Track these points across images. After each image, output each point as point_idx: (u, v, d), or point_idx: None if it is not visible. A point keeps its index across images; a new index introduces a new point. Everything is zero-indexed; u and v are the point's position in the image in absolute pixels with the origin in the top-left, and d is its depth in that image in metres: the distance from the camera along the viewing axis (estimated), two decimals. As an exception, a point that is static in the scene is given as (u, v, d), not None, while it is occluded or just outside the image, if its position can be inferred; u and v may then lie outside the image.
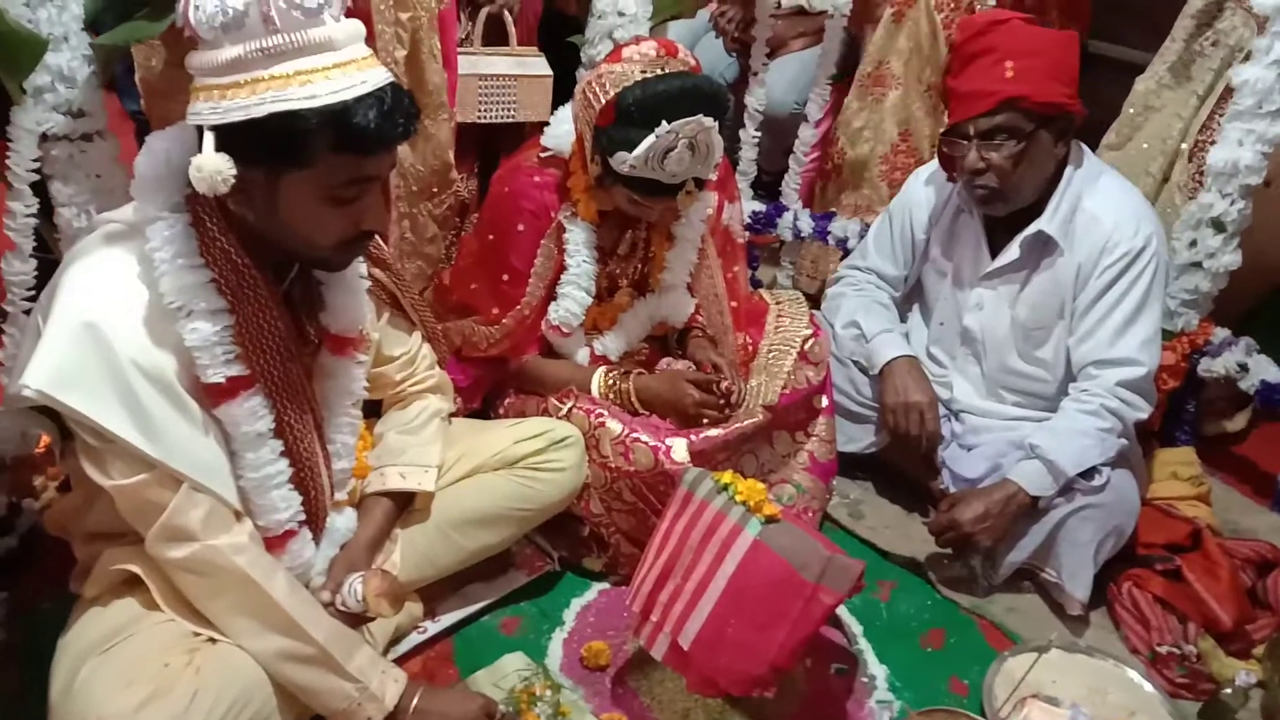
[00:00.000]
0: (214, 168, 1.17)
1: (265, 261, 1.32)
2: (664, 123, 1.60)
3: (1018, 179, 1.82)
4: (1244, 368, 2.13)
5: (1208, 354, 2.16)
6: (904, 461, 2.11)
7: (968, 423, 2.06)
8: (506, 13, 2.10)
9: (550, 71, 2.14)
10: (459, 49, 2.06)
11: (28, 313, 1.58)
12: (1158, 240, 1.86)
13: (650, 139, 1.60)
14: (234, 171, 1.18)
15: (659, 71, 1.64)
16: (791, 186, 2.78)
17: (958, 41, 1.83)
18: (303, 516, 1.42)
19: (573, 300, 1.88)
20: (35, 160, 1.54)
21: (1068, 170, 1.88)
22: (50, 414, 1.26)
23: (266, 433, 1.34)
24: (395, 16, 1.72)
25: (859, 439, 2.11)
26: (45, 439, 1.75)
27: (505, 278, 1.88)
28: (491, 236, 1.90)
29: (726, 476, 1.56)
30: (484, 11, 2.07)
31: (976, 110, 1.78)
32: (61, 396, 1.19)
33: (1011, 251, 1.93)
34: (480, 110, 2.06)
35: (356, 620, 1.45)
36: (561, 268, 1.87)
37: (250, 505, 1.36)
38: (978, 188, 1.85)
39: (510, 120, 2.10)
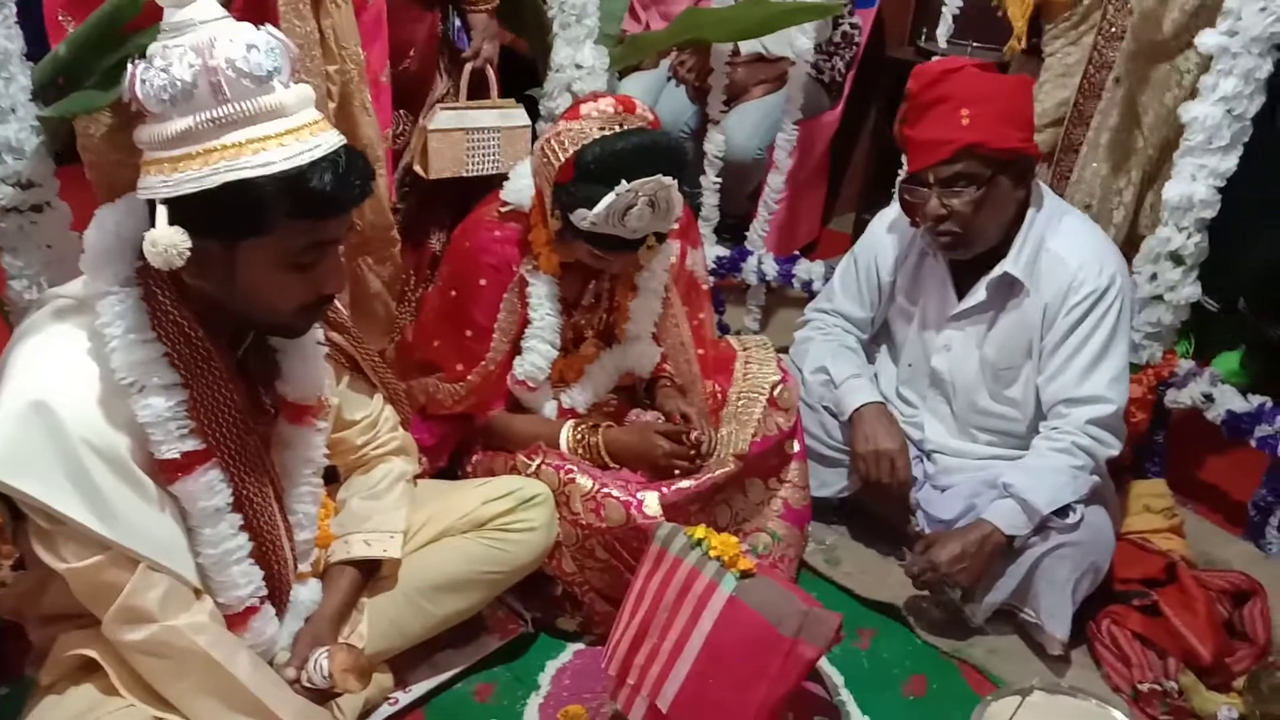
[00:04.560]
0: (169, 241, 1.15)
1: (220, 331, 1.30)
2: (623, 181, 1.60)
3: (979, 224, 1.83)
4: (1209, 398, 2.15)
5: (1174, 385, 2.18)
6: (878, 505, 2.10)
7: (940, 463, 2.06)
8: (488, 66, 2.13)
9: (529, 121, 2.16)
10: (443, 105, 2.07)
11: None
12: (1122, 279, 1.88)
13: (610, 198, 1.60)
14: (189, 244, 1.16)
15: (617, 128, 1.64)
16: (758, 232, 2.79)
17: (912, 91, 1.84)
18: (265, 592, 1.39)
19: (538, 354, 1.86)
20: (-16, 233, 1.51)
21: (1030, 211, 1.89)
22: (1, 494, 1.22)
23: (225, 507, 1.31)
24: (323, 69, 1.71)
25: (832, 483, 2.10)
26: (-2, 518, 1.70)
27: (468, 333, 1.86)
28: (453, 292, 1.88)
29: (700, 531, 1.55)
30: (468, 67, 2.10)
31: (934, 159, 1.80)
32: (10, 480, 1.16)
33: (978, 294, 1.94)
34: (469, 164, 2.09)
35: (324, 696, 1.41)
36: (525, 321, 1.86)
37: (210, 582, 1.33)
38: (940, 234, 1.86)
39: (495, 172, 2.12)
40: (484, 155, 2.12)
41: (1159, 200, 2.21)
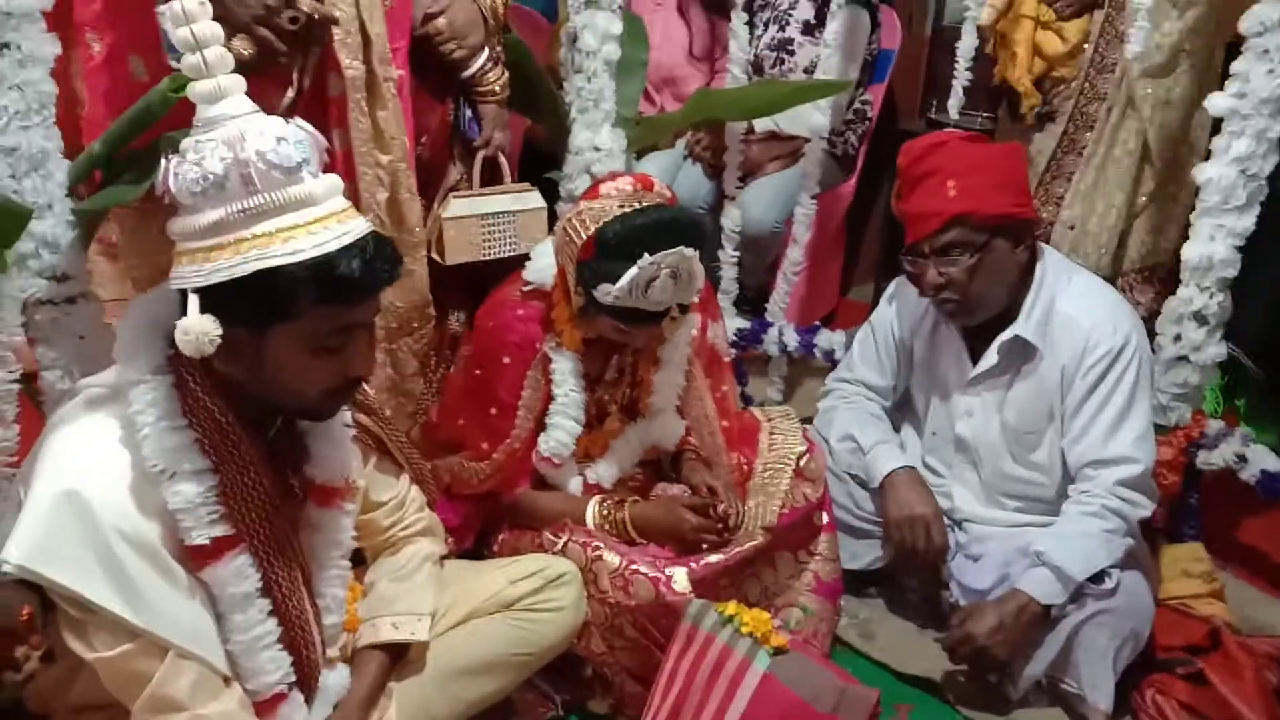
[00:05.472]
0: (200, 330, 1.17)
1: (248, 416, 1.31)
2: (645, 255, 1.62)
3: (977, 290, 1.85)
4: (1242, 458, 2.12)
5: (1204, 446, 2.15)
6: (911, 575, 2.07)
7: (971, 531, 2.03)
8: (500, 153, 2.17)
9: (544, 203, 2.20)
10: (456, 193, 2.12)
11: (12, 479, 1.55)
12: (1138, 336, 1.88)
13: (632, 271, 1.62)
14: (220, 332, 1.18)
15: (636, 205, 1.68)
16: (779, 304, 2.81)
17: (902, 166, 1.90)
18: (293, 677, 1.37)
19: (563, 430, 1.87)
20: (19, 325, 1.54)
21: (1037, 273, 1.91)
22: (32, 584, 1.22)
23: (254, 592, 1.30)
24: (376, 159, 1.76)
25: (863, 555, 2.07)
26: (28, 608, 1.70)
27: (493, 411, 1.87)
28: (478, 371, 1.90)
29: (731, 607, 1.53)
30: (480, 155, 2.14)
31: (926, 231, 1.84)
32: (43, 570, 1.16)
33: (990, 357, 1.94)
34: (485, 248, 2.13)
35: (353, 786, 1.39)
36: (549, 398, 1.87)
37: (239, 669, 1.31)
38: (942, 302, 1.89)
39: (512, 254, 2.16)
40: (501, 239, 2.15)
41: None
